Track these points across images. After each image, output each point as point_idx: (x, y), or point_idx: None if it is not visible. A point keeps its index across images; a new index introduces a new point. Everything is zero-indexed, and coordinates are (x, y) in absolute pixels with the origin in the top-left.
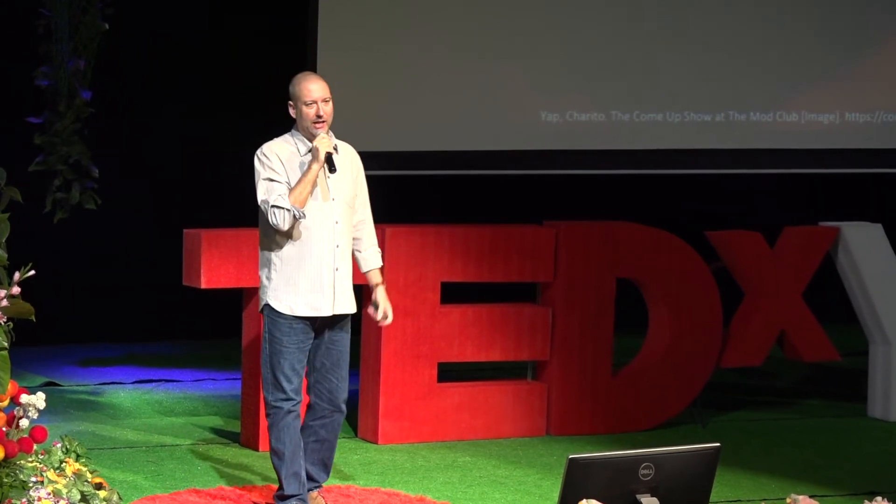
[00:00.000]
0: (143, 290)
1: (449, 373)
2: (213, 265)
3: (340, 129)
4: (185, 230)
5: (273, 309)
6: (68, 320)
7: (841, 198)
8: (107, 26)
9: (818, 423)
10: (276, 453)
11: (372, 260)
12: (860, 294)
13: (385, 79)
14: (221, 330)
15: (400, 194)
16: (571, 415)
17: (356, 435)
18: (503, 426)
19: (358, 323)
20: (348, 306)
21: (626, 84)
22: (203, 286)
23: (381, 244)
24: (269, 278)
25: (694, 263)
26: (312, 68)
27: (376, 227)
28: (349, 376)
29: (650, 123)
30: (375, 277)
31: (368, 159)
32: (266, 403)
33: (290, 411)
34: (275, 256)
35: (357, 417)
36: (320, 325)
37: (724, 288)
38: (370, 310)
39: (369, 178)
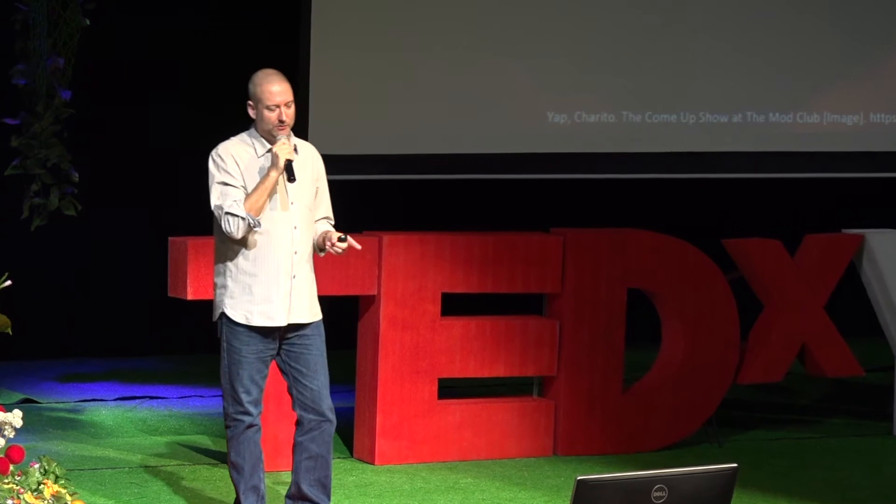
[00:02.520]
0: (125, 301)
1: (450, 389)
2: (200, 275)
3: (335, 132)
4: (170, 238)
5: (229, 318)
6: (46, 333)
7: (865, 203)
8: (88, 22)
9: (841, 443)
10: (234, 467)
11: (321, 227)
12: (885, 305)
13: (382, 78)
14: (209, 344)
15: (399, 200)
16: (580, 434)
17: (352, 455)
18: (508, 446)
19: (353, 336)
20: (306, 315)
21: (638, 83)
22: (189, 297)
23: (379, 253)
24: (224, 286)
25: (710, 273)
26: (305, 68)
27: (373, 235)
28: (344, 392)
29: (663, 125)
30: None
31: (365, 163)
32: (225, 415)
33: (250, 425)
34: (231, 263)
35: (353, 437)
36: (284, 333)
37: (742, 299)
38: (330, 244)
39: (367, 183)
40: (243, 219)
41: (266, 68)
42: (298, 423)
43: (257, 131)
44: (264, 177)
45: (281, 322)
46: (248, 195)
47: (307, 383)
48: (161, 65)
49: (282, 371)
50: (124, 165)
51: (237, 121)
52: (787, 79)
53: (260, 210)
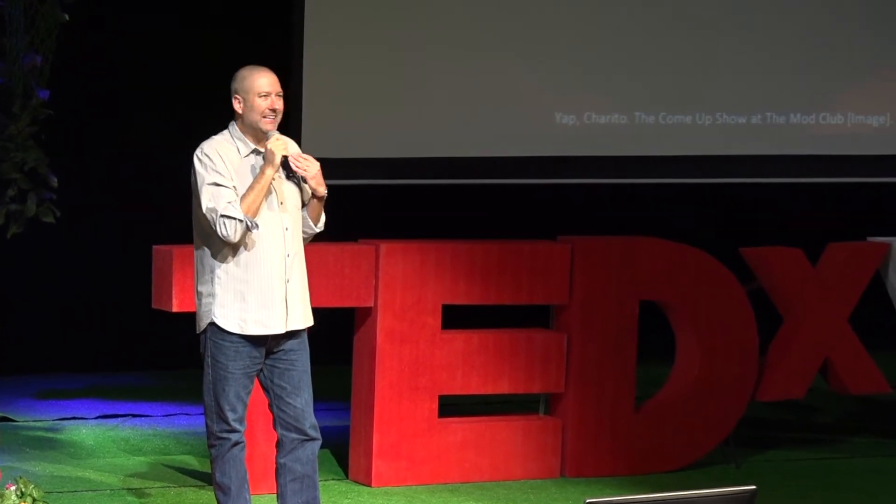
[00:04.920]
0: (107, 313)
1: (451, 407)
2: (185, 286)
3: (332, 134)
4: (154, 247)
5: (219, 328)
6: (23, 347)
7: (892, 210)
8: (67, 17)
9: (866, 463)
10: (220, 488)
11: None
12: None
13: (380, 79)
14: (194, 359)
15: (397, 206)
16: (589, 454)
17: (347, 477)
18: (512, 467)
19: (349, 351)
20: (302, 321)
21: (651, 82)
22: (174, 310)
23: (376, 262)
24: (212, 294)
25: (727, 284)
26: (298, 68)
27: (370, 244)
28: (339, 409)
29: (678, 126)
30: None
31: (362, 167)
32: (209, 434)
33: (236, 443)
34: (219, 270)
35: (348, 457)
36: (271, 344)
37: (761, 311)
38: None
39: (363, 188)
40: (241, 221)
41: (249, 65)
42: (279, 443)
43: (240, 129)
44: (258, 175)
45: (278, 330)
46: (242, 196)
47: (290, 401)
48: (144, 64)
49: (264, 388)
50: (105, 170)
51: (225, 123)
52: (809, 78)
53: (256, 211)
